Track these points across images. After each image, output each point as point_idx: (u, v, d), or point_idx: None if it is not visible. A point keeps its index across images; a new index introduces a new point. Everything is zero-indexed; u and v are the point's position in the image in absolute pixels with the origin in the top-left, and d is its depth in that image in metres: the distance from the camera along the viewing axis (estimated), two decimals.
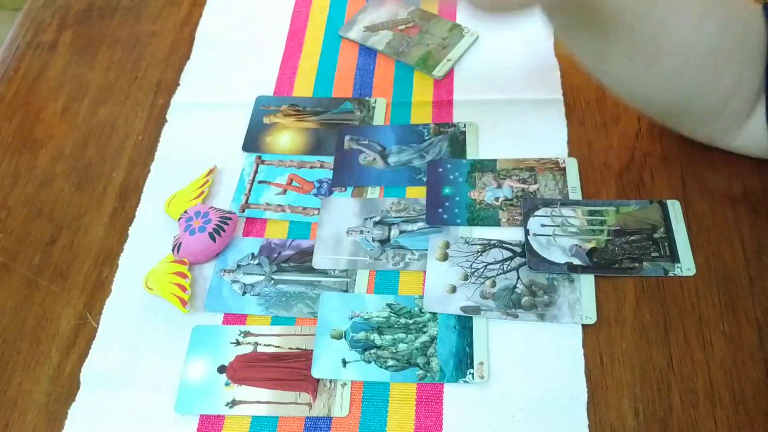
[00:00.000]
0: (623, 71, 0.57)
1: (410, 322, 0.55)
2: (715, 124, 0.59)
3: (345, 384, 0.52)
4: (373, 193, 0.63)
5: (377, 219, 0.61)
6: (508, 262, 0.57)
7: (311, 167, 0.65)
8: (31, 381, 0.55)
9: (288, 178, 0.64)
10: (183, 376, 0.53)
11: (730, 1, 0.56)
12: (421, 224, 0.60)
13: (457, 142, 0.65)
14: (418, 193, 0.62)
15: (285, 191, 0.64)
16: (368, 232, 0.60)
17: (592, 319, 0.53)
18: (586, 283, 0.55)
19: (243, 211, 0.62)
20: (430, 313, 0.55)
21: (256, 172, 0.65)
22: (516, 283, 0.56)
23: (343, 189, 0.63)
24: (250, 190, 0.64)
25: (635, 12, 0.53)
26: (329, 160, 0.65)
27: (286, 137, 0.68)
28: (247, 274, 0.58)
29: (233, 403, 0.52)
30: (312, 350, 0.54)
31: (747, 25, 0.56)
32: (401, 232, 0.60)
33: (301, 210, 0.62)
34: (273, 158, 0.66)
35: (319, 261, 0.58)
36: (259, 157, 0.66)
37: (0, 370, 0.55)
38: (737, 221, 0.58)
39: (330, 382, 0.52)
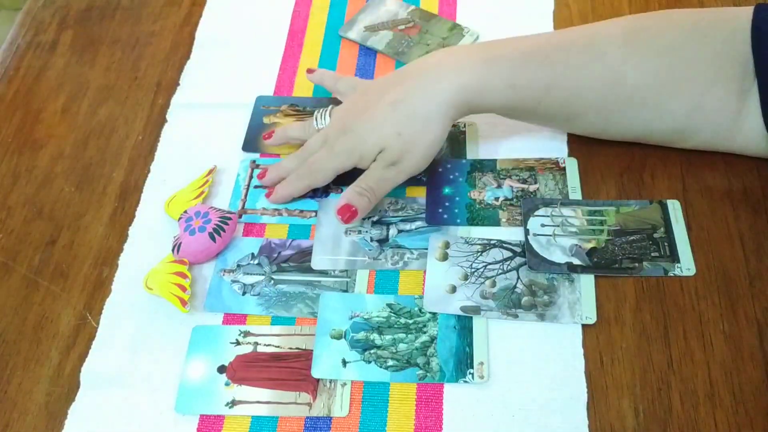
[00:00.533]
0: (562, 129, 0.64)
1: (410, 322, 0.55)
2: (696, 138, 0.60)
3: (345, 384, 0.52)
4: None
5: (375, 219, 0.61)
6: (508, 262, 0.57)
7: None
8: (31, 381, 0.55)
9: None
10: (183, 376, 0.53)
11: (668, 35, 0.57)
12: (419, 223, 0.60)
13: (457, 142, 0.65)
14: (418, 193, 0.62)
15: None
16: (366, 232, 0.60)
17: (592, 319, 0.53)
18: (586, 283, 0.55)
19: (240, 217, 0.62)
20: (430, 313, 0.55)
21: (251, 177, 0.65)
22: (516, 283, 0.56)
23: (339, 190, 0.63)
24: (245, 196, 0.64)
25: (533, 104, 0.58)
26: None
27: None
28: (247, 274, 0.58)
29: (233, 403, 0.52)
30: (312, 350, 0.54)
31: (695, 48, 0.56)
32: (399, 231, 0.60)
33: (298, 213, 0.62)
34: (268, 162, 0.66)
35: (318, 262, 0.58)
36: (254, 162, 0.66)
37: (0, 370, 0.55)
38: (737, 221, 0.58)
39: (330, 382, 0.52)
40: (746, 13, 0.55)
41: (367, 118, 0.58)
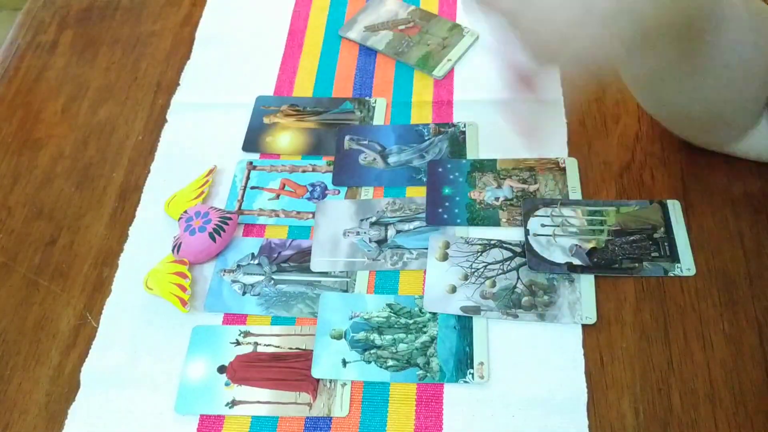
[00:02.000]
0: (676, 87, 0.55)
1: (410, 322, 0.55)
2: (721, 134, 0.59)
3: (345, 384, 0.52)
4: (367, 193, 0.63)
5: (373, 220, 0.61)
6: (508, 262, 0.57)
7: (303, 171, 0.65)
8: (31, 381, 0.55)
9: (280, 183, 0.64)
10: (183, 376, 0.53)
11: None
12: (417, 223, 0.60)
13: (457, 142, 0.65)
14: (418, 194, 0.62)
15: (278, 196, 0.63)
16: (365, 233, 0.60)
17: (592, 319, 0.53)
18: (586, 283, 0.55)
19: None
20: (430, 313, 0.55)
21: (248, 178, 0.65)
22: (516, 283, 0.56)
23: (337, 192, 0.63)
24: (242, 197, 0.63)
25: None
26: (321, 163, 0.65)
27: (286, 137, 0.68)
28: (247, 274, 0.58)
29: (233, 403, 0.52)
30: (312, 350, 0.54)
31: None
32: (398, 231, 0.60)
33: (296, 214, 0.62)
34: (265, 164, 0.66)
35: (317, 264, 0.58)
36: (251, 163, 0.66)
37: (0, 370, 0.55)
38: (737, 221, 0.58)
39: (330, 382, 0.52)
40: None
41: None
